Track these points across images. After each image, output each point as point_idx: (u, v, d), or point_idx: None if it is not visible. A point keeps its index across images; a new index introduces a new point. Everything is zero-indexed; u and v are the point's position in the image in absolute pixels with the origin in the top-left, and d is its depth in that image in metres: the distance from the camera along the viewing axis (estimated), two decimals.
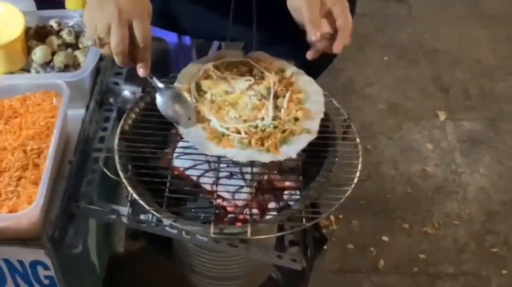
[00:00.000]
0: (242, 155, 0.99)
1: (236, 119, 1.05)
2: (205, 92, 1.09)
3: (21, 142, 1.04)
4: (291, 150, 1.01)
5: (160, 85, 1.06)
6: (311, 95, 1.10)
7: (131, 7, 0.98)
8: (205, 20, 1.41)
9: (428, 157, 1.98)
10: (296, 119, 1.05)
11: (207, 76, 1.12)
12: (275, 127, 1.03)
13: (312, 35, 1.05)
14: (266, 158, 1.00)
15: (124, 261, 1.44)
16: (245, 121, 1.05)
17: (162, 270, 1.45)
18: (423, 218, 1.80)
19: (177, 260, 1.29)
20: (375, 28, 2.44)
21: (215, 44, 2.08)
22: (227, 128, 1.03)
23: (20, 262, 1.02)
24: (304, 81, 1.13)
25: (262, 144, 1.01)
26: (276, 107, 1.07)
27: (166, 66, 1.81)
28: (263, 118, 1.05)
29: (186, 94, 1.07)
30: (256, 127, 1.03)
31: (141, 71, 1.02)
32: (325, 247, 1.34)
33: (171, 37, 1.78)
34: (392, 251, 1.72)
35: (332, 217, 1.76)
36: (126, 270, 1.45)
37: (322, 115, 1.07)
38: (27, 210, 0.93)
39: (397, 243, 1.74)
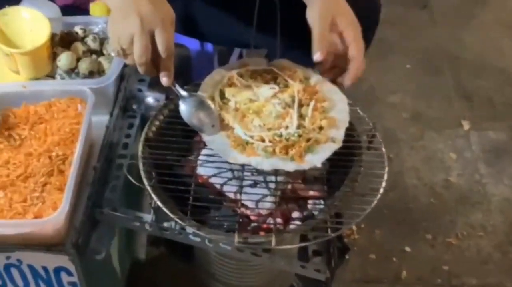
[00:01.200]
0: (266, 164, 0.98)
1: (260, 127, 1.04)
2: (229, 100, 1.08)
3: (47, 148, 1.04)
4: (316, 159, 1.00)
5: (183, 93, 1.05)
6: (336, 103, 1.09)
7: (153, 16, 0.97)
8: (228, 27, 1.41)
9: (451, 167, 1.95)
10: (321, 128, 1.04)
11: (231, 84, 1.11)
12: (300, 135, 1.02)
13: (315, 56, 1.06)
14: (290, 166, 0.99)
15: (145, 268, 1.44)
16: (269, 129, 1.04)
17: (183, 277, 1.45)
18: (447, 229, 1.78)
19: (199, 267, 1.28)
20: (397, 35, 2.41)
21: (236, 51, 2.08)
22: (251, 136, 1.02)
23: (44, 268, 1.03)
24: (328, 89, 1.12)
25: (287, 153, 1.00)
26: (301, 116, 1.06)
27: (188, 72, 1.81)
28: (287, 127, 1.04)
29: (209, 102, 1.07)
30: (281, 135, 1.02)
31: (164, 80, 1.02)
32: (346, 256, 1.32)
33: (193, 44, 1.78)
34: (415, 262, 1.69)
35: (354, 227, 1.74)
36: (147, 277, 1.46)
37: (347, 124, 1.06)
38: (53, 216, 0.93)
39: (420, 254, 1.71)
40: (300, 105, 1.08)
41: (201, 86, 1.11)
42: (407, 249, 1.72)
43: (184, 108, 1.05)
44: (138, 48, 0.97)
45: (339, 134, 1.04)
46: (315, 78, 1.13)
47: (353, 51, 1.07)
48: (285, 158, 1.00)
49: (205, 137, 1.04)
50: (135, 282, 1.42)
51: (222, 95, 1.10)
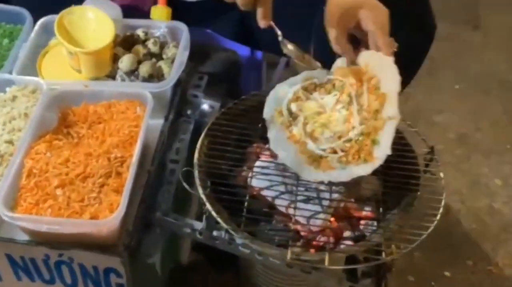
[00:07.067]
0: (344, 175, 0.98)
1: (331, 137, 1.03)
2: (298, 115, 1.08)
3: (106, 149, 1.05)
4: (383, 149, 0.98)
5: (279, 32, 1.06)
6: (386, 73, 1.04)
7: None
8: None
9: (496, 193, 1.92)
10: (377, 112, 1.02)
11: (296, 99, 1.10)
12: (365, 133, 1.01)
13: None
14: (366, 169, 0.98)
15: (186, 273, 1.44)
16: (339, 137, 1.03)
17: (222, 285, 1.44)
18: (488, 256, 1.75)
19: (242, 277, 1.28)
20: (448, 53, 2.38)
21: (283, 60, 2.08)
22: (324, 150, 1.01)
23: (95, 268, 1.03)
24: (374, 63, 1.06)
25: (359, 157, 0.99)
26: (361, 107, 1.04)
27: (236, 77, 1.81)
28: (354, 127, 1.03)
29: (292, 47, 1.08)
30: (350, 140, 1.02)
31: (262, 22, 1.02)
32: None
33: (243, 51, 1.79)
34: None
35: (393, 246, 1.71)
36: (187, 283, 1.46)
37: (397, 95, 1.01)
38: (110, 218, 0.94)
39: (459, 280, 1.69)
40: (359, 96, 1.06)
41: (267, 102, 1.10)
42: (447, 273, 1.70)
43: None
44: None
45: (393, 109, 1.00)
46: (362, 59, 1.08)
47: (376, 38, 1.04)
48: (359, 163, 0.99)
49: (280, 155, 1.02)
50: (174, 285, 1.42)
51: (290, 111, 1.09)
